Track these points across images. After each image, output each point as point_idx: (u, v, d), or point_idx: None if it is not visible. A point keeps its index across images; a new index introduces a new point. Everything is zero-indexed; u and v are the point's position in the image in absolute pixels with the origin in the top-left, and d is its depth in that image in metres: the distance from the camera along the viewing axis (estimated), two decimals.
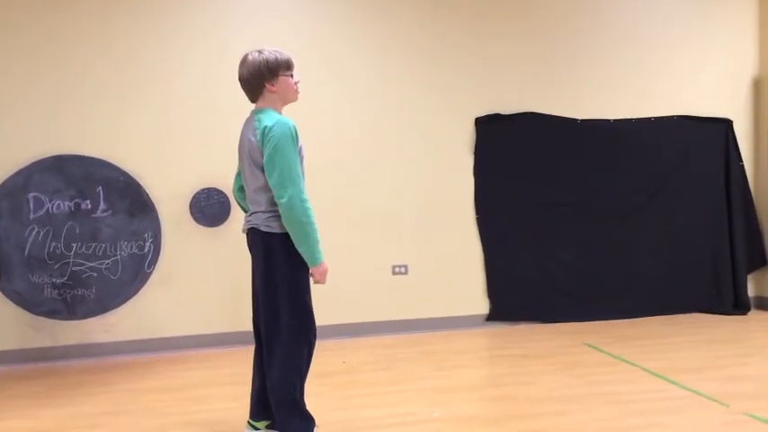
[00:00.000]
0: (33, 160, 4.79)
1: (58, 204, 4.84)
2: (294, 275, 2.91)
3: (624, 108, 5.75)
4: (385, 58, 5.36)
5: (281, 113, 2.94)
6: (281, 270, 2.90)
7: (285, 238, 2.87)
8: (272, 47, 2.98)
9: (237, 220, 5.05)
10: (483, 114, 5.50)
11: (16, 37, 4.76)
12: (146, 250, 4.98)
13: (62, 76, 4.84)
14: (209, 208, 5.03)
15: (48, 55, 4.82)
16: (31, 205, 4.79)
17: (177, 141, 5.02)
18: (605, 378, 4.04)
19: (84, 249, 4.87)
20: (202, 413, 3.61)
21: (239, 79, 2.97)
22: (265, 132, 2.80)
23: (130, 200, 4.94)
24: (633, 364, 4.30)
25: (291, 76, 2.98)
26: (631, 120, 5.74)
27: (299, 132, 2.87)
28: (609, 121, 5.71)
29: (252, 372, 3.23)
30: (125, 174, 4.93)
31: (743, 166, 5.95)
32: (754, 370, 4.14)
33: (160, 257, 5.01)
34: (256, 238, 2.96)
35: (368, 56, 5.32)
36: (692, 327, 5.34)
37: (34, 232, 4.79)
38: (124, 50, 4.93)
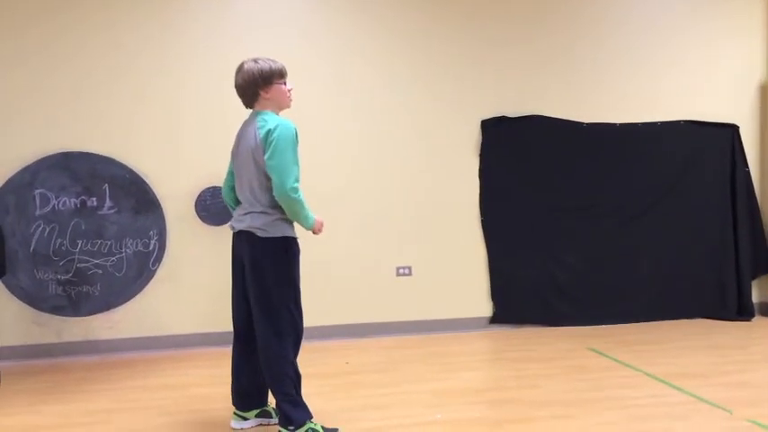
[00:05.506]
0: (40, 157, 4.81)
1: (64, 201, 4.85)
2: (288, 276, 3.10)
3: (630, 112, 5.74)
4: (390, 61, 5.36)
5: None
6: (277, 273, 3.06)
7: (280, 241, 3.07)
8: (267, 55, 3.16)
9: None
10: (489, 117, 5.50)
11: (24, 35, 4.78)
12: (151, 248, 4.99)
13: (70, 73, 4.86)
14: (214, 206, 5.03)
15: (55, 52, 4.84)
16: (38, 202, 4.81)
17: (183, 139, 5.03)
18: (608, 383, 4.04)
19: (89, 246, 4.88)
20: (205, 412, 3.62)
21: (235, 86, 3.14)
22: (269, 134, 2.98)
23: (136, 198, 4.95)
24: (637, 369, 4.30)
25: (285, 83, 3.16)
26: (637, 124, 5.73)
27: (299, 135, 3.09)
28: (615, 124, 5.70)
29: (232, 367, 3.36)
30: (131, 171, 4.94)
31: (749, 171, 5.93)
32: (758, 376, 4.14)
33: (165, 255, 5.02)
34: (250, 242, 3.08)
35: (373, 59, 5.32)
36: (696, 332, 5.34)
37: (40, 229, 4.81)
38: (131, 48, 4.94)
